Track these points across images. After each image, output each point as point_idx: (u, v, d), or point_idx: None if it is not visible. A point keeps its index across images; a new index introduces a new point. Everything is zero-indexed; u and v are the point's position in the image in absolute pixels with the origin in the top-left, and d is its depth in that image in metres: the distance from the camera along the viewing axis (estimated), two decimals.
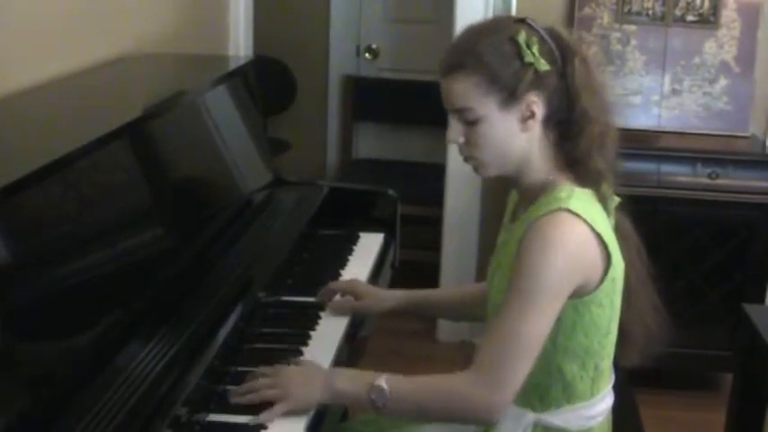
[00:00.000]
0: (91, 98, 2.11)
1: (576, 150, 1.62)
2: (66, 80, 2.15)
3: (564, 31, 1.65)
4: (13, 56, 2.00)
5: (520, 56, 1.57)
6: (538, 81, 1.58)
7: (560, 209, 1.56)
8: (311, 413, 1.60)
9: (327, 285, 1.99)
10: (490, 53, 1.57)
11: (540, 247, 1.54)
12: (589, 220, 1.56)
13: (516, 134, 1.60)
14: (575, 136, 1.62)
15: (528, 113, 1.59)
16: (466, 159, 1.66)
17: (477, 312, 1.97)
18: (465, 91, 1.59)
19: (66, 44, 2.22)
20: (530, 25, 1.62)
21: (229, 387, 1.63)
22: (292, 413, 1.56)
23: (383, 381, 1.58)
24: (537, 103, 1.59)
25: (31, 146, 1.64)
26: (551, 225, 1.55)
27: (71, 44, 2.24)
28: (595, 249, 1.58)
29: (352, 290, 1.98)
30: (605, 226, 1.60)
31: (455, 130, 1.63)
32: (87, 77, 2.22)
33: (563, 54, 1.61)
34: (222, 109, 2.30)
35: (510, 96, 1.57)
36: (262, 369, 1.64)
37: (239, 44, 3.38)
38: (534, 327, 1.54)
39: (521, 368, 1.55)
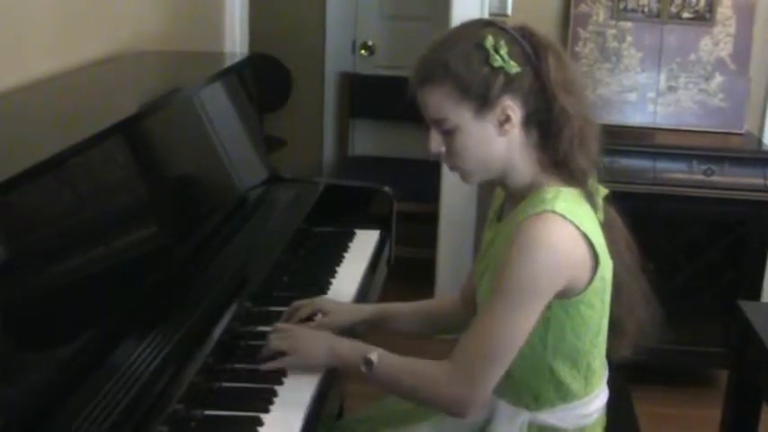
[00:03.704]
0: (86, 96, 2.11)
1: (557, 150, 1.61)
2: (61, 77, 2.14)
3: (536, 29, 1.62)
4: (7, 53, 1.99)
5: (488, 61, 1.55)
6: (510, 84, 1.56)
7: (546, 210, 1.55)
8: (309, 408, 1.60)
9: (292, 304, 1.91)
10: (458, 62, 1.56)
11: (525, 247, 1.53)
12: (575, 221, 1.55)
13: (495, 140, 1.59)
14: (554, 135, 1.60)
15: (504, 118, 1.57)
16: (450, 168, 1.66)
17: (447, 325, 1.97)
18: (438, 102, 1.58)
19: (61, 41, 2.21)
20: (499, 27, 1.59)
21: (225, 384, 1.63)
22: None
23: (375, 354, 1.64)
24: (512, 107, 1.57)
25: (25, 143, 1.64)
26: (536, 226, 1.54)
27: (66, 41, 2.24)
28: (582, 250, 1.57)
29: (319, 308, 1.90)
30: (593, 226, 1.60)
31: (435, 141, 1.62)
32: (83, 75, 2.22)
33: (536, 52, 1.58)
34: (218, 106, 2.30)
35: (483, 103, 1.56)
36: (277, 324, 1.77)
37: (235, 41, 3.38)
38: (515, 327, 1.54)
39: (496, 368, 1.56)
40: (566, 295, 1.57)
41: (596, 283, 1.59)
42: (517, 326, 1.54)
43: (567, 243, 1.55)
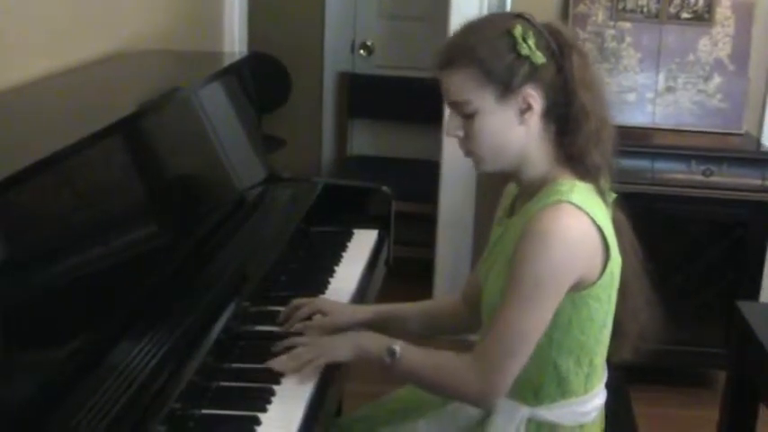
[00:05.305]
0: (85, 95, 2.10)
1: (573, 146, 1.63)
2: (60, 77, 2.14)
3: (562, 26, 1.66)
4: (7, 52, 1.99)
5: (515, 49, 1.58)
6: (534, 74, 1.58)
7: (562, 201, 1.56)
8: (307, 407, 1.60)
9: (291, 302, 1.91)
10: (484, 47, 1.58)
11: (541, 238, 1.54)
12: (590, 213, 1.57)
13: (514, 127, 1.61)
14: (572, 131, 1.62)
15: (525, 106, 1.59)
16: (466, 154, 1.67)
17: (447, 326, 1.98)
18: (461, 84, 1.60)
19: (61, 41, 2.21)
20: (527, 20, 1.62)
21: (223, 383, 1.63)
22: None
23: (398, 345, 1.65)
24: (534, 96, 1.59)
25: (23, 143, 1.64)
26: (552, 217, 1.55)
27: (66, 41, 2.24)
28: (596, 242, 1.58)
29: (318, 308, 1.90)
30: (606, 220, 1.61)
31: (453, 124, 1.64)
32: (82, 74, 2.22)
33: (561, 49, 1.61)
34: (217, 106, 2.30)
35: (506, 89, 1.58)
36: (294, 339, 1.75)
37: (234, 41, 3.38)
38: (534, 319, 1.55)
39: (516, 360, 1.57)
40: (576, 288, 1.58)
41: (606, 277, 1.60)
42: (535, 319, 1.55)
43: (582, 234, 1.56)
